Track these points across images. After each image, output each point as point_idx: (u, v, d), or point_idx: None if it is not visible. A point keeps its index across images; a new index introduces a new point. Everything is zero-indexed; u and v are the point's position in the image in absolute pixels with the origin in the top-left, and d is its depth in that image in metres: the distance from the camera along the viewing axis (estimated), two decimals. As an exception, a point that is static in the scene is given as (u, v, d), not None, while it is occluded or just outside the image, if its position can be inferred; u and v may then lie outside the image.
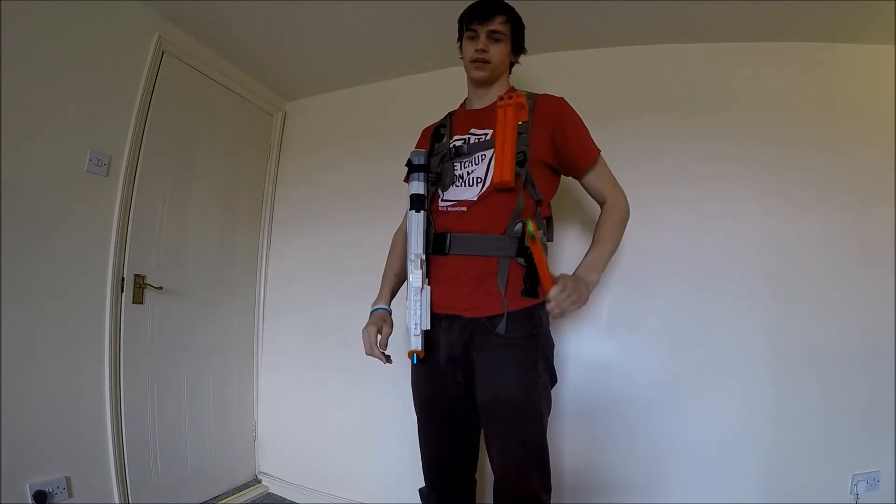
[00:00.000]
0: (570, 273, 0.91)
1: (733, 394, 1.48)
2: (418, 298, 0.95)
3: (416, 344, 0.95)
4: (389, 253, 1.21)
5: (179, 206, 1.78)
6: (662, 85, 1.67)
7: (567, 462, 1.52)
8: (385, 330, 1.04)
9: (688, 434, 1.49)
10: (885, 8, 1.38)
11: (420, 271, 0.96)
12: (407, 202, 1.03)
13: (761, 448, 1.45)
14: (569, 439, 1.54)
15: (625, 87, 1.70)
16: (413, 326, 0.95)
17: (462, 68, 1.09)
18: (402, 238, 1.17)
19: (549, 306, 0.82)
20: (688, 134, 1.61)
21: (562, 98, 1.04)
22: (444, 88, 1.85)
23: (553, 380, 1.00)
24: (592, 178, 1.04)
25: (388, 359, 1.03)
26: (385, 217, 1.50)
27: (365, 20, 1.66)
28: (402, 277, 1.14)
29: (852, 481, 1.39)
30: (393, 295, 1.15)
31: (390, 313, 1.09)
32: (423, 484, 1.09)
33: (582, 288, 0.86)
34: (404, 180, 1.11)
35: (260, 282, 2.17)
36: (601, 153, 1.04)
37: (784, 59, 1.58)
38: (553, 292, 0.80)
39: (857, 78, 1.55)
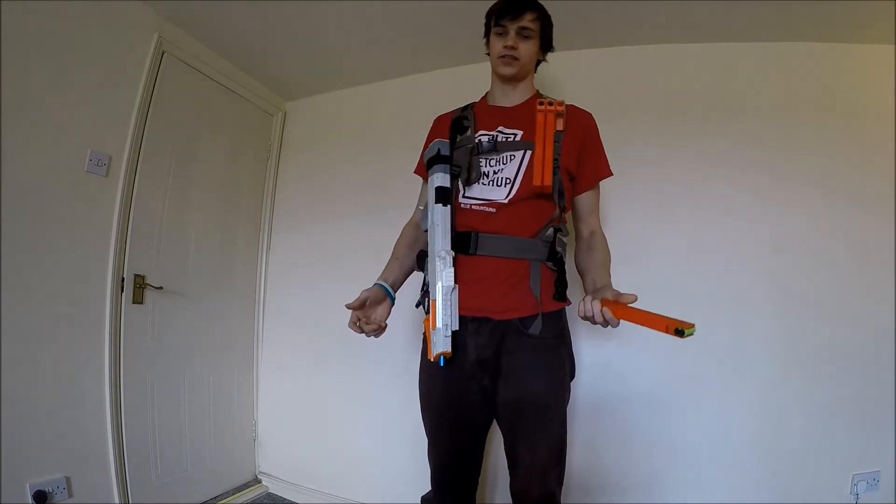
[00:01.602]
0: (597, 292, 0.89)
1: (733, 394, 1.48)
2: (448, 298, 0.90)
3: (446, 346, 0.89)
4: (397, 242, 1.14)
5: (179, 206, 1.78)
6: (662, 85, 1.67)
7: (567, 462, 1.52)
8: (380, 311, 0.98)
9: (687, 434, 1.49)
10: (885, 8, 1.38)
11: (452, 269, 0.91)
12: (410, 197, 1.01)
13: (761, 448, 1.45)
14: (569, 439, 1.53)
15: (624, 87, 1.70)
16: (443, 327, 0.89)
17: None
18: (412, 230, 1.13)
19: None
20: (687, 134, 1.61)
21: (590, 113, 1.06)
22: (445, 88, 1.85)
23: (573, 374, 1.01)
24: (591, 198, 1.05)
25: (361, 329, 0.96)
26: (386, 216, 1.49)
27: (364, 20, 1.65)
28: (403, 264, 1.09)
29: (852, 481, 1.39)
30: (394, 282, 1.05)
31: (389, 295, 1.01)
32: (423, 486, 1.09)
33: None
34: (415, 171, 1.07)
35: (260, 282, 2.17)
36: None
37: (784, 59, 1.58)
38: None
39: (857, 78, 1.55)
